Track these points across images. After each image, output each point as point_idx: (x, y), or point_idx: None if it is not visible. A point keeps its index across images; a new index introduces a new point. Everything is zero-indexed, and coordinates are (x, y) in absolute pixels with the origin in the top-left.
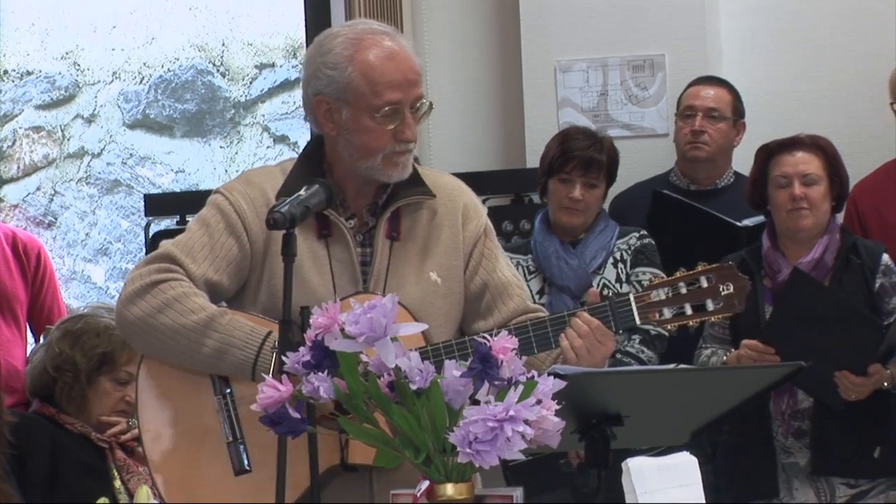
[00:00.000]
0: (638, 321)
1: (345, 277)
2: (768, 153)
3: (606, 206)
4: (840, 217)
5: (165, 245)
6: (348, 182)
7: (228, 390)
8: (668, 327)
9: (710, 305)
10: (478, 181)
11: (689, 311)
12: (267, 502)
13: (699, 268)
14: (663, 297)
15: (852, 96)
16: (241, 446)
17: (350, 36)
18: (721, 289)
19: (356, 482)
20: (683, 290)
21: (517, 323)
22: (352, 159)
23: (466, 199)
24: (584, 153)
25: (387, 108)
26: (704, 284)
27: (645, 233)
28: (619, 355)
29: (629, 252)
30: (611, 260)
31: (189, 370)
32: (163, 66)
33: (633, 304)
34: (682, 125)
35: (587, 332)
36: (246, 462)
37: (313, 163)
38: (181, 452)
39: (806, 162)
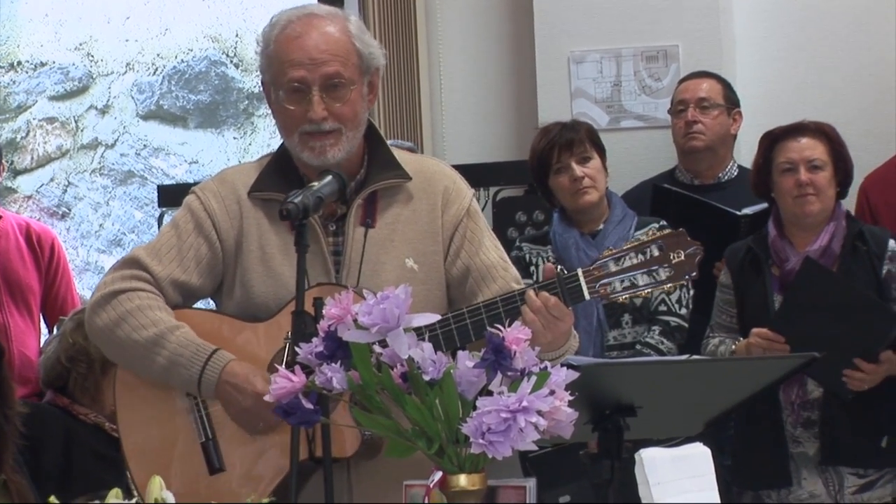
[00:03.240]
0: (587, 296)
1: (316, 268)
2: (772, 140)
3: None
4: (847, 205)
5: (135, 248)
6: (309, 170)
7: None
8: (621, 299)
9: (661, 274)
10: (491, 172)
11: (640, 281)
12: (243, 501)
13: (649, 236)
14: (613, 269)
15: (866, 88)
16: (216, 445)
17: (282, 18)
18: (672, 256)
19: (333, 475)
20: (634, 261)
21: (474, 304)
22: (286, 143)
23: (447, 183)
24: (560, 136)
25: (293, 85)
26: (655, 253)
27: (665, 223)
28: (638, 346)
29: None
30: None
31: None
32: (176, 57)
33: (582, 278)
34: (676, 121)
35: (540, 306)
36: (220, 461)
37: (285, 155)
38: (157, 453)
39: (811, 147)
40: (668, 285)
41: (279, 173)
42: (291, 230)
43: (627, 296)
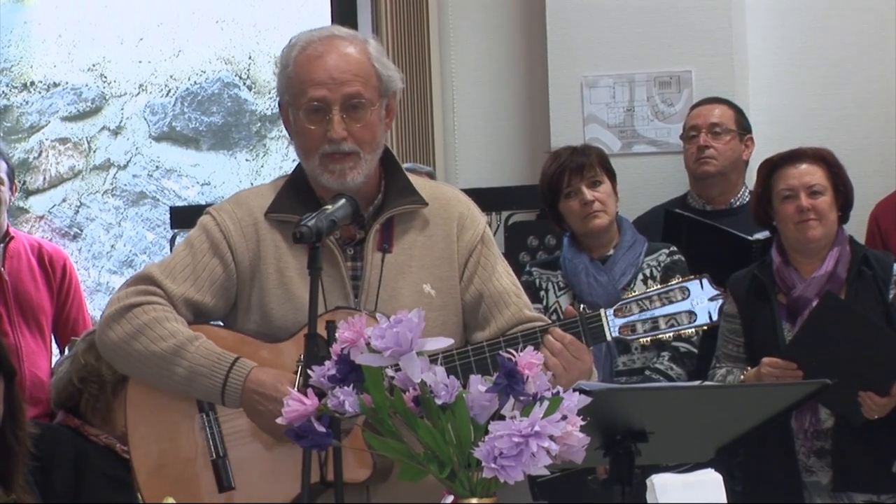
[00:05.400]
0: (609, 336)
1: (335, 293)
2: (771, 167)
3: None
4: (856, 232)
5: (148, 266)
6: (326, 193)
7: (212, 407)
8: (643, 341)
9: (683, 319)
10: (503, 196)
11: (662, 324)
12: None
13: (672, 281)
14: (636, 310)
15: (879, 114)
16: (226, 464)
17: (301, 39)
18: (695, 301)
19: (352, 498)
20: (657, 303)
21: (493, 338)
22: (305, 165)
23: (462, 209)
24: (570, 161)
25: (313, 104)
26: (678, 297)
27: (675, 249)
28: (647, 372)
29: (659, 269)
30: (640, 276)
31: None
32: (189, 79)
33: (604, 318)
34: (688, 146)
35: (560, 349)
36: (231, 479)
37: (301, 177)
38: (167, 469)
39: (810, 173)
40: (690, 330)
41: (296, 195)
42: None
43: (649, 338)
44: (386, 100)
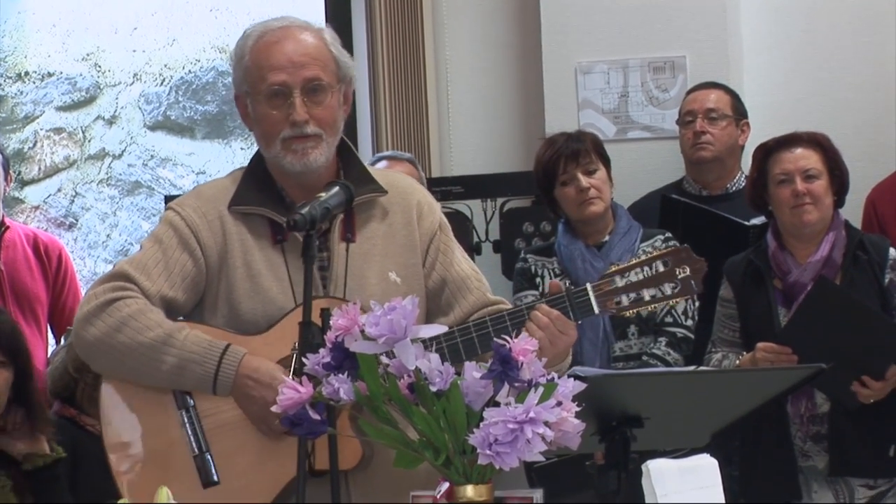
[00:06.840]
0: (596, 310)
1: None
2: (766, 152)
3: None
4: (852, 216)
5: (120, 263)
6: (288, 183)
7: (192, 404)
8: (628, 313)
9: (667, 289)
10: (499, 182)
11: (646, 296)
12: None
13: (655, 252)
14: (620, 284)
15: (875, 98)
16: (209, 459)
17: (256, 29)
18: (678, 272)
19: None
20: (641, 276)
21: (478, 317)
22: (266, 153)
23: (420, 197)
24: (566, 147)
25: (274, 88)
26: (661, 268)
27: (670, 235)
28: (644, 357)
29: None
30: None
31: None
32: (184, 68)
33: (591, 293)
34: (684, 131)
35: (547, 323)
36: (214, 474)
37: (260, 169)
38: (148, 468)
39: (806, 157)
40: (674, 300)
41: (256, 186)
42: (274, 244)
43: (634, 310)
44: (343, 86)
